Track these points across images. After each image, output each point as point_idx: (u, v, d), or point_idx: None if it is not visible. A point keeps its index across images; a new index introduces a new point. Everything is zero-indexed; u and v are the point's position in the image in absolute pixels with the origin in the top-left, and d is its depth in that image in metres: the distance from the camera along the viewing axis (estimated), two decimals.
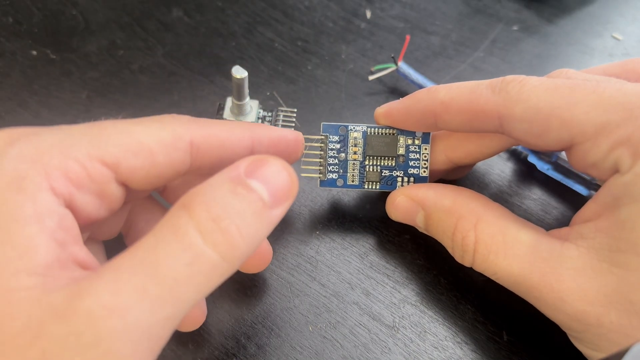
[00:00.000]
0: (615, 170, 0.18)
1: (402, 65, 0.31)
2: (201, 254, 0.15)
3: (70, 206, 0.16)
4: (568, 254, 0.19)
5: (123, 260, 0.14)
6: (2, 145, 0.15)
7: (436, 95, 0.22)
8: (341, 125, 0.25)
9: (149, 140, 0.17)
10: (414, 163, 0.25)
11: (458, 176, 0.28)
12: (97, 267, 0.16)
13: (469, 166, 0.27)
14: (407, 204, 0.24)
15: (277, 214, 0.17)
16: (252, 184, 0.16)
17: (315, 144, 0.25)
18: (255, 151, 0.20)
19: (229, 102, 0.28)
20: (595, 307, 0.18)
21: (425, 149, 0.24)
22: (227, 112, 0.28)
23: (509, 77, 0.20)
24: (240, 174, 0.16)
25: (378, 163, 0.25)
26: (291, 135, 0.22)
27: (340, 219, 0.27)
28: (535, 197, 0.28)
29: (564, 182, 0.27)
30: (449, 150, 0.24)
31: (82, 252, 0.16)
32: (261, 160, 0.17)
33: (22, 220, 0.14)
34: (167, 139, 0.18)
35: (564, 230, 0.20)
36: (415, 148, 0.24)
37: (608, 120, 0.18)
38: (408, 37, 0.31)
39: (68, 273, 0.14)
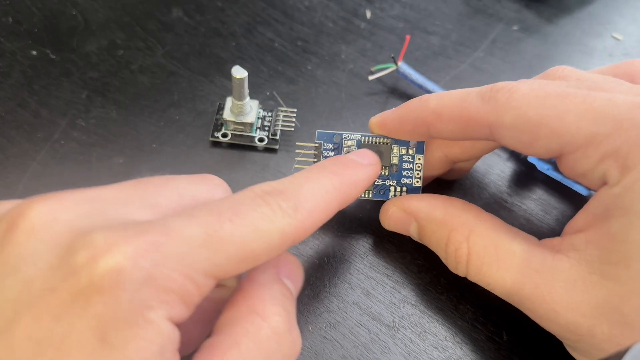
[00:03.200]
0: (605, 182, 0.18)
1: (402, 65, 0.31)
2: None
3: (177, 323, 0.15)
4: (560, 266, 0.19)
5: None
6: (130, 265, 0.14)
7: (427, 105, 0.22)
8: (336, 134, 0.25)
9: (260, 251, 0.16)
10: (407, 173, 0.24)
11: (458, 176, 0.28)
12: None
13: (468, 167, 0.27)
14: (400, 215, 0.24)
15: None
16: (287, 284, 0.18)
17: (310, 151, 0.25)
18: None
19: (229, 102, 0.28)
20: (587, 318, 0.18)
21: (419, 159, 0.24)
22: (227, 112, 0.28)
23: (499, 85, 0.20)
24: (280, 274, 0.18)
25: None
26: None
27: (341, 219, 0.27)
28: (535, 197, 0.28)
29: (564, 182, 0.27)
30: (445, 147, 0.24)
31: None
32: (287, 259, 0.19)
33: (150, 359, 0.14)
34: (275, 245, 0.16)
35: (556, 240, 0.20)
36: (408, 158, 0.24)
37: (597, 131, 0.18)
38: (408, 37, 0.31)
39: None
